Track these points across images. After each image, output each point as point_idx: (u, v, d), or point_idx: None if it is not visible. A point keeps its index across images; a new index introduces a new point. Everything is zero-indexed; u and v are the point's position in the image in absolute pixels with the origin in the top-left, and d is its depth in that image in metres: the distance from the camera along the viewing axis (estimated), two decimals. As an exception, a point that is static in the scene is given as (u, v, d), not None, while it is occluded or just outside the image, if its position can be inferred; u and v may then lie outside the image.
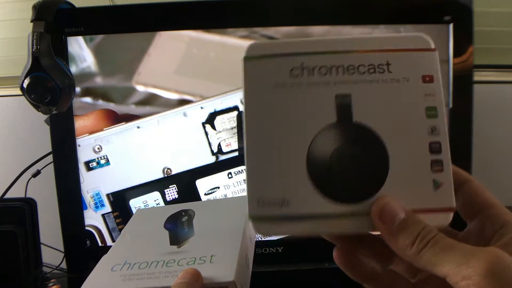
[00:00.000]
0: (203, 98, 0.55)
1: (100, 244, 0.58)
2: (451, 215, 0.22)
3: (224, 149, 0.55)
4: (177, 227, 0.31)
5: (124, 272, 0.27)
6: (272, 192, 0.23)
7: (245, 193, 0.23)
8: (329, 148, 0.23)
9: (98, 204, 0.57)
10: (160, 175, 0.56)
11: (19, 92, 0.48)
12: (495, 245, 0.22)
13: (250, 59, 0.24)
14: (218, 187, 0.56)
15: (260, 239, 0.56)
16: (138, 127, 0.55)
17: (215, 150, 0.55)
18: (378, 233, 0.22)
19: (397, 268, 0.27)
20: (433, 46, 0.23)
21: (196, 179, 0.56)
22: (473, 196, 0.24)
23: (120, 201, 0.57)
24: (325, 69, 0.23)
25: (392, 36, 0.24)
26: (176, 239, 0.30)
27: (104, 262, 0.29)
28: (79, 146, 0.56)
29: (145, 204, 0.56)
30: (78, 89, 0.55)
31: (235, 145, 0.55)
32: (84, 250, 0.58)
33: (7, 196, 0.59)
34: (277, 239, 0.57)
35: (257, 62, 0.24)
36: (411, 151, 0.22)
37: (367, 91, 0.23)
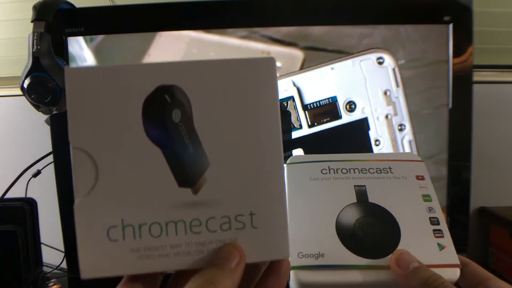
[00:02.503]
0: (203, 98, 0.55)
1: (100, 244, 0.57)
2: (458, 270, 0.26)
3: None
4: (174, 141, 0.20)
5: (131, 243, 0.20)
6: (309, 248, 0.27)
7: None
8: (352, 218, 0.29)
9: (98, 204, 0.57)
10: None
11: (20, 92, 0.48)
12: None
13: (291, 164, 0.32)
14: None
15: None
16: (138, 127, 0.55)
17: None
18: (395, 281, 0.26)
19: None
20: (420, 159, 0.32)
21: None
22: (473, 273, 0.28)
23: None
24: (346, 170, 0.31)
25: (389, 154, 0.39)
26: (185, 175, 0.20)
27: (85, 221, 0.20)
28: (79, 146, 0.56)
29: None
30: (78, 89, 0.55)
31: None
32: (84, 250, 0.57)
33: (8, 196, 0.59)
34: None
35: (297, 165, 0.32)
36: (416, 223, 0.28)
37: (377, 183, 0.30)
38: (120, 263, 0.20)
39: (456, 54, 0.54)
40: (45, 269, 0.64)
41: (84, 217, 0.20)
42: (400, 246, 0.27)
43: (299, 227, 0.28)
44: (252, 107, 0.21)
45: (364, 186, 0.30)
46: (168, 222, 0.20)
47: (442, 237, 0.28)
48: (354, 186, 0.30)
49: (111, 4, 0.76)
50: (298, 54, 0.55)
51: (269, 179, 0.21)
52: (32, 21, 0.48)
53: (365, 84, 0.55)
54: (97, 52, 0.55)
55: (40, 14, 0.49)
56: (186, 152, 0.21)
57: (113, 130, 0.22)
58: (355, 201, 0.30)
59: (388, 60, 0.55)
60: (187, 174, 0.21)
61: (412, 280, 0.25)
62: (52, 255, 0.64)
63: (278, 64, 0.55)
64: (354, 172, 0.31)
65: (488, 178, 0.76)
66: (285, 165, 0.30)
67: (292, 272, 0.27)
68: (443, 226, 0.29)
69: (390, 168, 0.32)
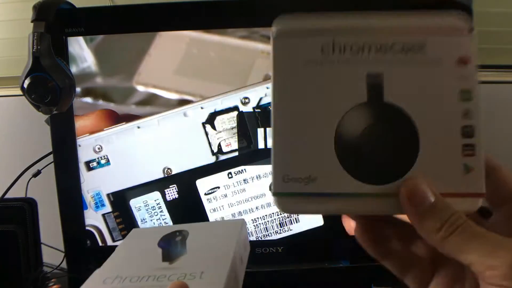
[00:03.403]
0: (203, 98, 0.55)
1: (100, 244, 0.58)
2: (480, 201, 0.22)
3: (224, 149, 0.55)
4: (171, 245, 0.32)
5: (115, 285, 0.28)
6: (298, 169, 0.22)
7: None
8: (358, 127, 0.22)
9: (99, 204, 0.57)
10: (161, 175, 0.56)
11: (20, 92, 0.48)
12: None
13: (280, 36, 0.24)
14: (218, 187, 0.56)
15: (260, 238, 0.57)
16: (138, 127, 0.55)
17: (215, 150, 0.55)
18: (404, 216, 0.22)
19: (417, 249, 0.26)
20: (470, 26, 0.22)
21: (196, 179, 0.56)
22: (502, 183, 0.23)
23: (120, 201, 0.57)
24: (357, 47, 0.22)
25: (430, 12, 0.23)
26: (169, 256, 0.31)
27: (96, 276, 0.30)
28: (79, 146, 0.56)
29: (145, 203, 0.56)
30: (78, 89, 0.55)
31: (235, 145, 0.55)
32: (84, 250, 0.58)
33: (8, 196, 0.59)
34: (277, 239, 0.57)
35: (287, 39, 0.23)
36: (442, 134, 0.22)
37: (399, 71, 0.22)
38: None
39: (456, 54, 0.54)
40: (45, 269, 0.64)
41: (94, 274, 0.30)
42: (416, 167, 0.22)
43: (285, 140, 0.22)
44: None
45: (382, 74, 0.22)
46: (144, 276, 0.29)
47: (473, 155, 0.22)
48: (367, 74, 0.22)
49: (111, 4, 0.76)
50: (298, 54, 0.55)
51: (222, 255, 0.30)
52: (32, 21, 0.48)
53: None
54: (97, 52, 0.55)
55: (40, 14, 0.49)
56: (175, 250, 0.32)
57: None
58: (365, 100, 0.22)
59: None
60: (169, 257, 0.31)
61: (426, 220, 0.21)
62: (52, 255, 0.64)
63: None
64: (370, 51, 0.22)
65: (488, 178, 0.76)
66: (272, 34, 0.24)
67: (274, 200, 0.22)
68: (478, 138, 0.22)
69: (423, 44, 0.22)
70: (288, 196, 0.22)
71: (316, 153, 0.22)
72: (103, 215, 0.57)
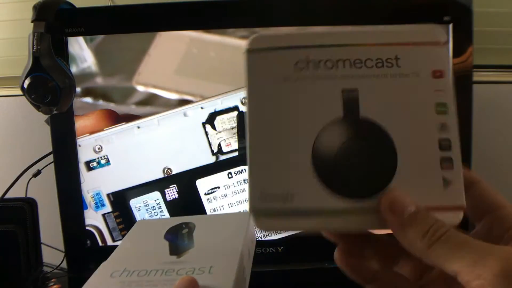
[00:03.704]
0: (203, 98, 0.55)
1: (100, 244, 0.58)
2: (461, 213, 0.22)
3: (224, 149, 0.55)
4: (177, 238, 0.32)
5: (123, 279, 0.28)
6: (275, 185, 0.22)
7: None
8: (335, 143, 0.22)
9: (99, 204, 0.57)
10: (161, 175, 0.56)
11: (20, 92, 0.48)
12: (509, 245, 0.21)
13: (253, 51, 0.23)
14: (218, 187, 0.56)
15: (260, 238, 0.56)
16: (138, 127, 0.55)
17: (215, 150, 0.55)
18: (385, 231, 0.22)
19: (401, 269, 0.26)
20: (444, 39, 0.23)
21: (196, 179, 0.56)
22: (482, 197, 0.23)
23: (120, 201, 0.57)
24: (331, 63, 0.22)
25: (401, 29, 0.23)
26: (176, 250, 0.30)
27: (103, 268, 0.29)
28: (79, 146, 0.56)
29: (145, 203, 0.56)
30: (78, 89, 0.55)
31: (235, 145, 0.55)
32: (84, 250, 0.58)
33: (8, 196, 0.59)
34: (277, 238, 0.57)
35: (261, 54, 0.23)
36: (420, 148, 0.22)
37: (374, 85, 0.22)
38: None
39: (456, 54, 0.54)
40: (45, 269, 0.64)
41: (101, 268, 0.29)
42: (394, 181, 0.21)
43: (262, 156, 0.22)
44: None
45: (357, 90, 0.22)
46: (152, 270, 0.28)
47: (451, 168, 0.22)
48: (342, 90, 0.22)
49: (111, 4, 0.76)
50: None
51: (230, 249, 0.29)
52: (32, 21, 0.48)
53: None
54: (97, 52, 0.55)
55: (40, 14, 0.49)
56: (182, 243, 0.32)
57: None
58: (341, 115, 0.22)
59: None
60: (176, 251, 0.30)
61: (409, 230, 0.20)
62: (52, 255, 0.64)
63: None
64: (344, 66, 0.22)
65: (488, 178, 0.76)
66: (245, 51, 0.24)
67: (251, 217, 0.22)
68: (455, 152, 0.22)
69: (396, 58, 0.22)
70: (266, 214, 0.22)
71: (293, 169, 0.22)
72: (103, 215, 0.57)
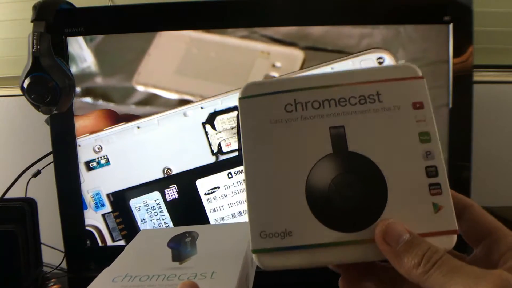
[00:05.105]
0: (203, 98, 0.55)
1: (100, 244, 0.58)
2: (455, 237, 0.22)
3: (224, 149, 0.55)
4: (180, 246, 0.32)
5: (125, 283, 0.28)
6: (274, 224, 0.23)
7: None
8: (326, 179, 0.23)
9: (98, 204, 0.57)
10: (160, 175, 0.56)
11: (19, 92, 0.48)
12: (502, 268, 0.22)
13: (245, 98, 0.25)
14: (218, 187, 0.56)
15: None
16: (138, 127, 0.55)
17: (215, 150, 0.55)
18: (383, 259, 0.22)
19: None
20: (420, 74, 0.24)
21: (196, 179, 0.56)
22: (477, 221, 0.24)
23: (120, 201, 0.57)
24: (318, 103, 0.24)
25: (379, 67, 0.25)
26: (179, 256, 0.31)
27: (105, 274, 0.29)
28: (79, 146, 0.56)
29: (145, 204, 0.56)
30: (78, 89, 0.55)
31: (235, 145, 0.55)
32: (84, 250, 0.58)
33: (7, 196, 0.59)
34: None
35: (253, 100, 0.25)
36: (408, 176, 0.23)
37: (360, 121, 0.24)
38: None
39: (456, 54, 0.54)
40: (45, 269, 0.64)
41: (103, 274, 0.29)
42: (386, 211, 0.22)
43: (259, 196, 0.23)
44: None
45: (343, 126, 0.24)
46: (154, 275, 0.28)
47: (440, 194, 0.23)
48: (330, 128, 0.24)
49: (111, 4, 0.76)
50: (298, 54, 0.55)
51: (233, 256, 0.29)
52: (32, 21, 0.48)
53: (365, 84, 0.55)
54: (97, 52, 0.55)
55: (40, 14, 0.49)
56: (185, 250, 0.32)
57: None
58: (331, 151, 0.23)
59: (388, 60, 0.55)
60: (179, 257, 0.30)
61: (404, 258, 0.21)
62: (52, 255, 0.64)
63: (278, 64, 0.55)
64: (330, 106, 0.24)
65: (488, 178, 0.76)
66: (238, 98, 0.25)
67: (254, 256, 0.23)
68: (442, 177, 0.23)
69: (378, 94, 0.24)
70: (267, 252, 0.23)
71: (289, 207, 0.23)
72: (103, 215, 0.57)
